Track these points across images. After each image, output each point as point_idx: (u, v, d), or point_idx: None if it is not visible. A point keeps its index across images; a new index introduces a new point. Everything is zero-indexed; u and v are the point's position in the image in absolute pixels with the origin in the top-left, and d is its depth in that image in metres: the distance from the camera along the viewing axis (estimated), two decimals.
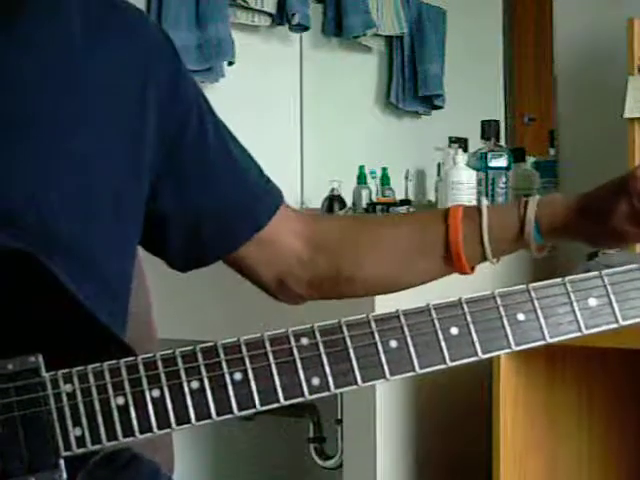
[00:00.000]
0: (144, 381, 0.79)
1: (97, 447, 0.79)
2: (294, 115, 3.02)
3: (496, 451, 1.98)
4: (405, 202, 2.82)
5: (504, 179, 2.47)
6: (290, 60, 3.01)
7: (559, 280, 0.87)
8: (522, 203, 1.05)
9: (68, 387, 0.79)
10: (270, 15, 2.85)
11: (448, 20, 3.09)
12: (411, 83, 3.08)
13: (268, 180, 1.11)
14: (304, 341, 0.82)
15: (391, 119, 3.13)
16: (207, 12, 2.65)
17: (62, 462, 0.78)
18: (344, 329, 0.82)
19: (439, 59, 3.08)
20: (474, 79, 3.04)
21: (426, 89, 3.07)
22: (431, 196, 2.91)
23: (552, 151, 2.73)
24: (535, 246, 1.04)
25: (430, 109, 3.10)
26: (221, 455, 2.78)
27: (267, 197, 1.09)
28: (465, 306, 0.85)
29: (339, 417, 2.30)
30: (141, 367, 0.80)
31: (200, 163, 1.03)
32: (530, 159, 2.75)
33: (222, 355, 0.80)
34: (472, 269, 1.08)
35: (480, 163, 2.47)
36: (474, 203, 2.38)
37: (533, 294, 0.86)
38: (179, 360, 0.80)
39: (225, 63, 2.70)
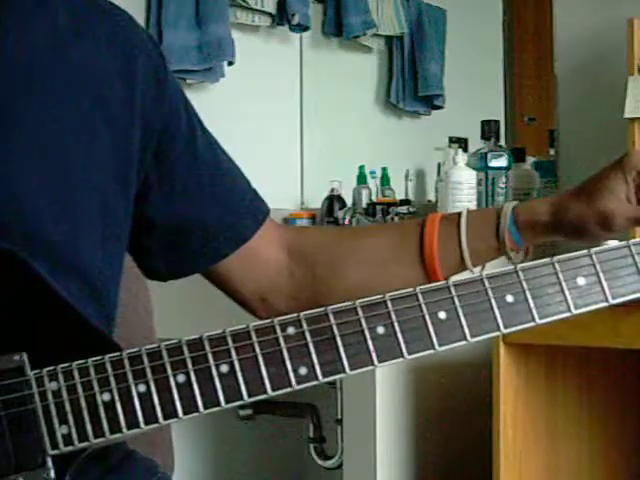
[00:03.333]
0: (130, 376, 0.79)
1: (84, 445, 0.78)
2: (294, 115, 3.02)
3: (496, 451, 1.98)
4: (405, 202, 2.81)
5: (504, 179, 2.47)
6: (290, 60, 3.01)
7: (547, 260, 0.85)
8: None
9: (53, 385, 0.78)
10: (270, 15, 2.85)
11: (448, 20, 3.09)
12: (411, 83, 3.08)
13: (255, 193, 1.10)
14: (290, 330, 0.81)
15: (391, 119, 3.13)
16: (207, 12, 2.65)
17: (49, 460, 0.78)
18: (330, 317, 0.81)
19: (439, 59, 3.08)
20: (474, 79, 3.04)
21: (426, 89, 3.06)
22: (431, 196, 2.91)
23: (552, 151, 2.73)
24: (510, 241, 1.01)
25: (430, 109, 3.10)
26: (221, 455, 2.78)
27: (253, 211, 1.08)
28: (453, 289, 0.84)
29: (339, 417, 2.30)
30: (126, 362, 0.79)
31: (189, 174, 1.03)
32: (530, 159, 2.75)
33: (208, 347, 0.79)
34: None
35: (480, 163, 2.47)
36: (474, 203, 2.38)
37: (521, 275, 0.84)
38: (164, 354, 0.79)
39: (225, 63, 2.70)
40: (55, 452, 0.78)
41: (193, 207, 1.03)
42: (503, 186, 2.47)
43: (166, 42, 2.61)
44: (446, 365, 2.21)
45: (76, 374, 0.78)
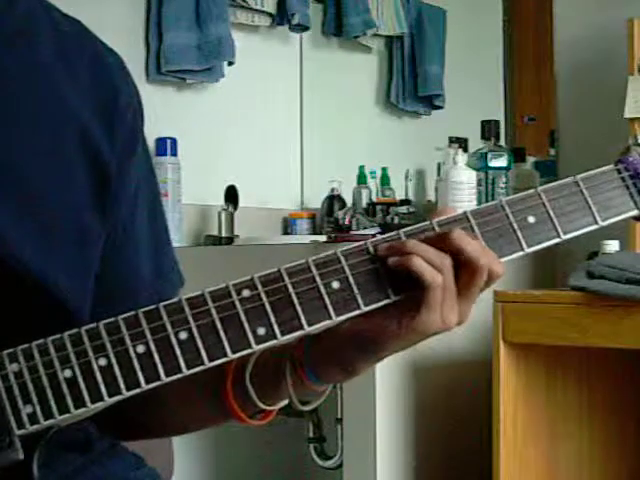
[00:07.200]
0: (89, 351, 0.79)
1: (50, 422, 0.79)
2: (294, 115, 3.02)
3: (496, 451, 1.98)
4: (405, 202, 2.82)
5: (504, 179, 2.48)
6: (290, 60, 3.01)
7: (496, 202, 0.86)
8: None
9: (14, 366, 0.78)
10: (270, 15, 2.85)
11: (448, 20, 3.09)
12: (411, 83, 3.08)
13: (167, 273, 1.04)
14: (245, 293, 0.81)
15: (391, 119, 3.13)
16: (207, 12, 2.65)
17: (17, 441, 0.78)
18: (285, 276, 0.82)
19: (439, 59, 3.08)
20: (474, 79, 3.04)
21: (426, 89, 3.07)
22: (431, 196, 2.91)
23: (552, 151, 2.74)
24: (290, 372, 0.90)
25: (430, 109, 3.10)
26: (221, 455, 2.78)
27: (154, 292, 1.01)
28: (402, 235, 0.85)
29: (339, 417, 2.30)
30: (85, 338, 0.79)
31: (122, 230, 0.98)
32: (530, 159, 2.76)
33: (165, 317, 0.80)
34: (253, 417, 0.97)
35: (480, 163, 2.48)
36: (474, 203, 2.38)
37: (472, 219, 0.85)
38: (122, 326, 0.80)
39: (225, 63, 2.70)
40: (22, 432, 0.78)
41: (110, 262, 0.97)
42: (503, 186, 2.48)
43: (166, 42, 2.61)
44: (446, 365, 2.21)
45: (36, 353, 0.79)
